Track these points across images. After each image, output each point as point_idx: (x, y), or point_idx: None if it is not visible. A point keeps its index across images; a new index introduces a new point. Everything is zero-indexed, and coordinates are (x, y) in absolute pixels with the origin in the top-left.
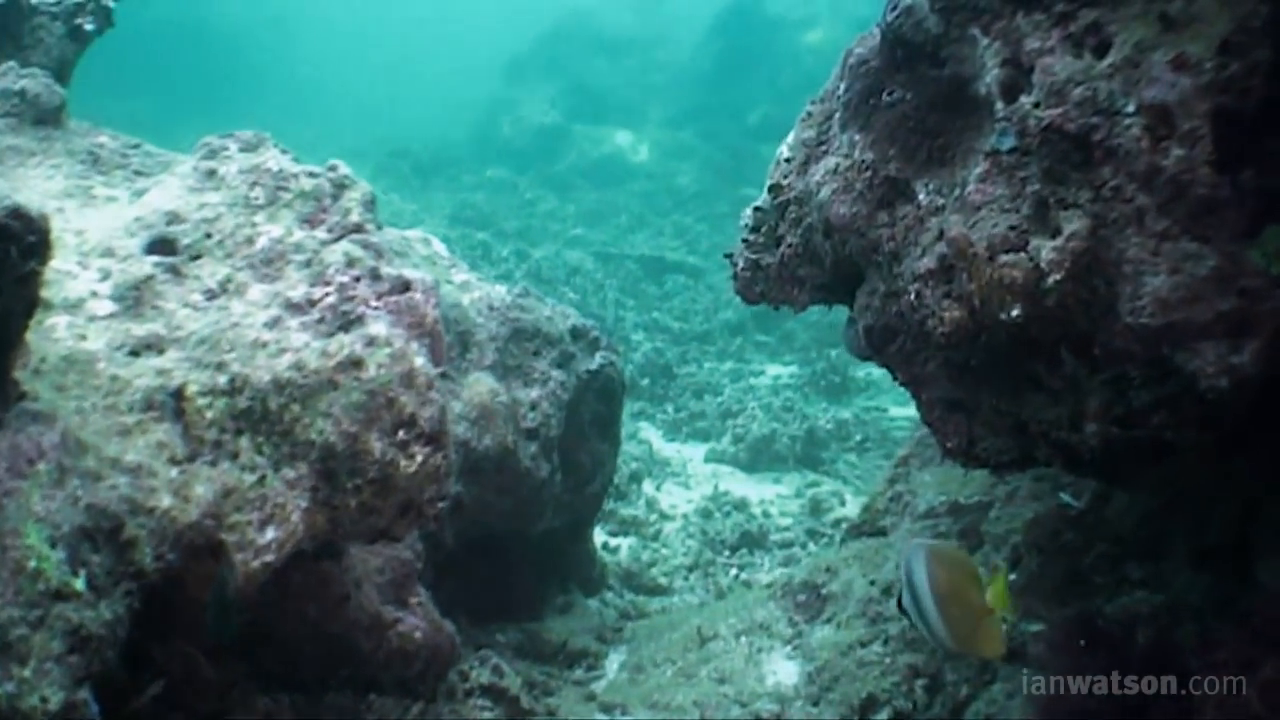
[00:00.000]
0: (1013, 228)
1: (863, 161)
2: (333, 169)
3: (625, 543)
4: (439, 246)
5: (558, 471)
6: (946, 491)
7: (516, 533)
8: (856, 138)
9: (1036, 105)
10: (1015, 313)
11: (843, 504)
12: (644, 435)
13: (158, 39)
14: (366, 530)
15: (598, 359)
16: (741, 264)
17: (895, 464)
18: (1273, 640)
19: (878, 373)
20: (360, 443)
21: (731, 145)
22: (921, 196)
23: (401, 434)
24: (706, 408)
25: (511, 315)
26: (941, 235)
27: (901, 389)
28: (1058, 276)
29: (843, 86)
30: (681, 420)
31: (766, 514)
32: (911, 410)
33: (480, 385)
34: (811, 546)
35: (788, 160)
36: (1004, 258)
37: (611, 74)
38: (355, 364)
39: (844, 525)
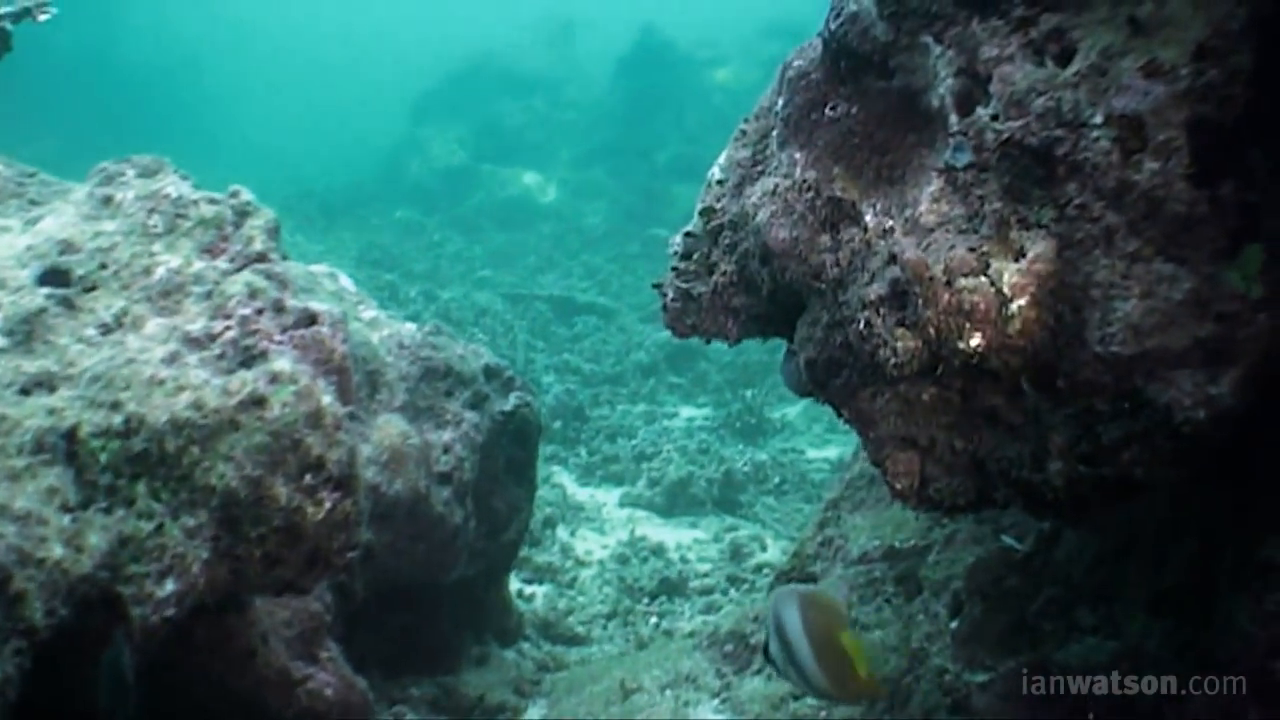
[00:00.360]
0: (972, 249)
1: (804, 181)
2: (234, 195)
3: (540, 590)
4: (346, 282)
5: (472, 518)
6: (880, 535)
7: (430, 582)
8: (797, 156)
9: (994, 118)
10: (975, 342)
11: (764, 549)
12: (557, 479)
13: (64, 79)
14: (272, 582)
15: (512, 399)
16: (671, 294)
17: (824, 507)
18: (1256, 690)
19: (793, 413)
20: (264, 488)
21: (641, 185)
22: (869, 218)
23: (308, 478)
24: (620, 451)
25: (423, 354)
26: (892, 259)
27: (817, 431)
28: (1022, 302)
29: (780, 101)
30: (595, 464)
31: (685, 560)
32: (829, 452)
33: (390, 427)
34: (733, 593)
35: (720, 182)
36: (963, 282)
37: (519, 113)
38: (258, 403)
39: (765, 571)
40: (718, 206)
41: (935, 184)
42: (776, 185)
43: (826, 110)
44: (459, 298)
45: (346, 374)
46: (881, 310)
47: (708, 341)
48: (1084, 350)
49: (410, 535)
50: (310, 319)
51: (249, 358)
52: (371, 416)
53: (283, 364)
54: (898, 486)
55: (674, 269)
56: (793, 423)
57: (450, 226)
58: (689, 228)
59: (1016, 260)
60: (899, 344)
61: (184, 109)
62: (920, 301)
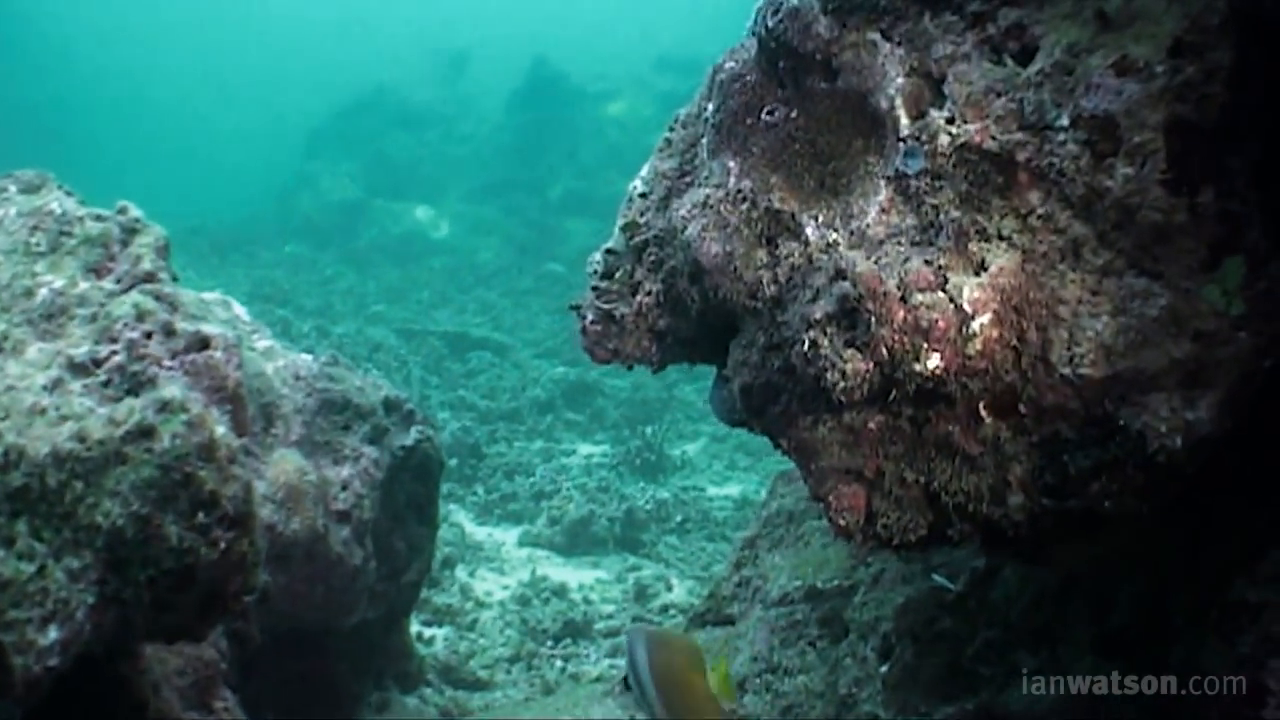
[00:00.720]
0: (928, 262)
1: (739, 191)
2: (122, 211)
3: (440, 633)
4: (239, 310)
5: (372, 558)
6: (802, 575)
7: (329, 626)
8: (730, 164)
9: (950, 120)
10: (933, 363)
11: (669, 589)
12: (454, 518)
13: None
14: (164, 629)
15: (413, 434)
16: (591, 316)
17: (740, 545)
18: None
19: (693, 450)
20: (153, 526)
21: (534, 220)
22: (810, 231)
23: (201, 516)
24: (518, 489)
25: (319, 385)
26: (839, 274)
27: (718, 468)
28: (984, 319)
29: (711, 107)
30: (493, 502)
31: (588, 600)
32: (730, 489)
33: (286, 463)
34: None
35: (643, 195)
36: (919, 297)
37: (412, 147)
38: (146, 433)
39: (672, 612)
40: (641, 221)
41: (884, 193)
42: (708, 196)
43: (763, 115)
44: (352, 333)
45: (241, 402)
46: (828, 330)
47: (629, 367)
48: (1050, 373)
49: (308, 577)
50: (202, 343)
51: (137, 385)
52: (266, 451)
53: (173, 391)
54: (841, 523)
55: (594, 289)
56: (693, 460)
57: (343, 262)
58: (609, 244)
59: (977, 274)
60: (848, 366)
61: (75, 145)
62: (872, 319)
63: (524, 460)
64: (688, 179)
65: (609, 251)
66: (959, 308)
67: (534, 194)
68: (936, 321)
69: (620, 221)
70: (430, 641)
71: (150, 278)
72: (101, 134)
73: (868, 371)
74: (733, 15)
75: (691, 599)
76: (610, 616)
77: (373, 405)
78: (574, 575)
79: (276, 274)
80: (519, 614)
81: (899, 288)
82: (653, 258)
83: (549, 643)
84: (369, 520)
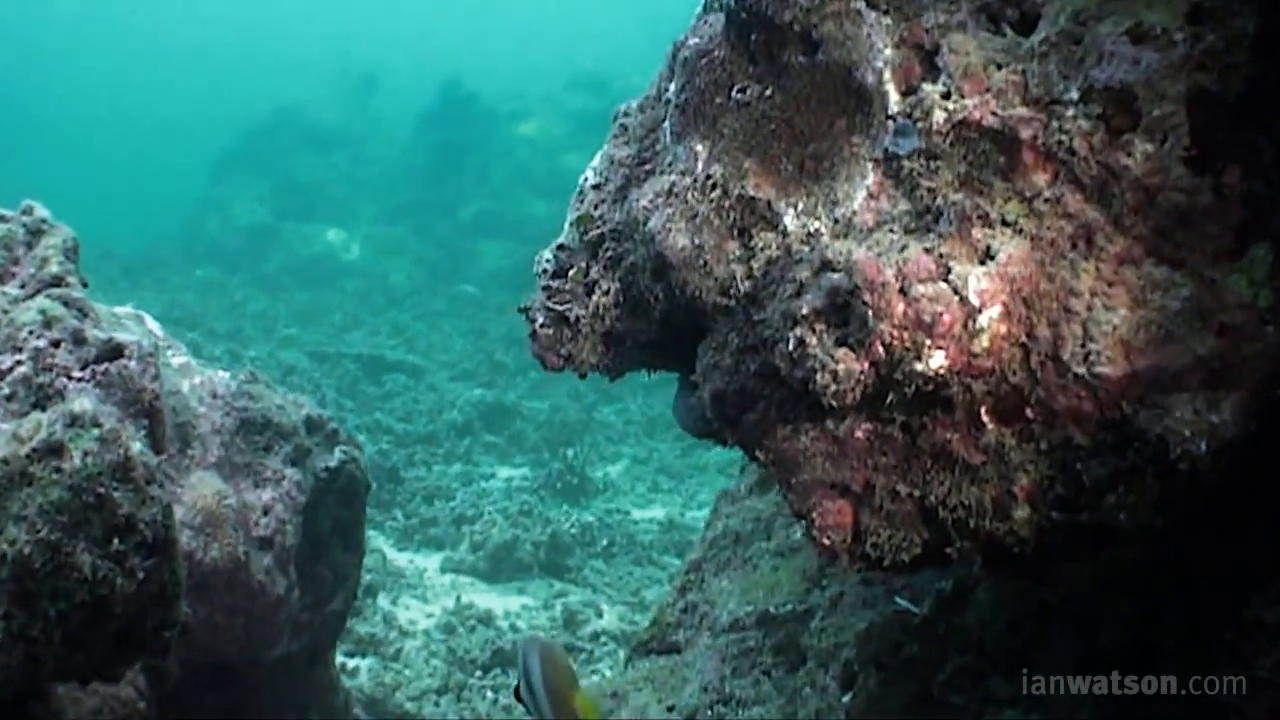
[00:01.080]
0: (928, 250)
1: (708, 178)
2: (27, 211)
3: (364, 664)
4: (153, 324)
5: (295, 587)
6: (752, 600)
7: (251, 659)
8: (698, 149)
9: (945, 95)
10: (937, 362)
11: (599, 615)
12: (374, 544)
13: None
14: (76, 668)
15: (337, 454)
16: (541, 319)
17: (685, 569)
18: None
19: (615, 472)
20: (64, 554)
21: (446, 241)
22: (788, 220)
23: (116, 542)
24: (439, 514)
25: (238, 404)
26: (825, 265)
27: (641, 490)
28: (992, 313)
29: (674, 87)
30: (413, 527)
31: (515, 628)
32: (654, 512)
33: (204, 486)
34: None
35: (596, 186)
36: (921, 289)
37: (321, 170)
38: (54, 451)
39: (604, 639)
40: (596, 214)
41: (872, 177)
42: (673, 184)
43: (734, 94)
44: (264, 356)
45: (159, 416)
46: (817, 327)
47: (583, 376)
48: (1061, 372)
49: (229, 608)
50: (115, 351)
51: (44, 398)
52: (183, 474)
53: (84, 405)
54: (826, 541)
55: (544, 289)
56: (615, 482)
57: (254, 285)
58: (561, 240)
59: (983, 263)
60: (839, 367)
61: None
62: (869, 314)
63: (443, 484)
64: (648, 166)
65: (560, 248)
66: (965, 300)
67: (445, 215)
68: (941, 315)
69: (572, 215)
70: (354, 673)
71: (58, 281)
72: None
73: (862, 373)
74: (646, 35)
75: (623, 625)
76: None
77: (294, 425)
78: (499, 602)
79: (187, 297)
80: (445, 643)
81: (898, 278)
82: (610, 254)
83: (477, 673)
84: (292, 547)
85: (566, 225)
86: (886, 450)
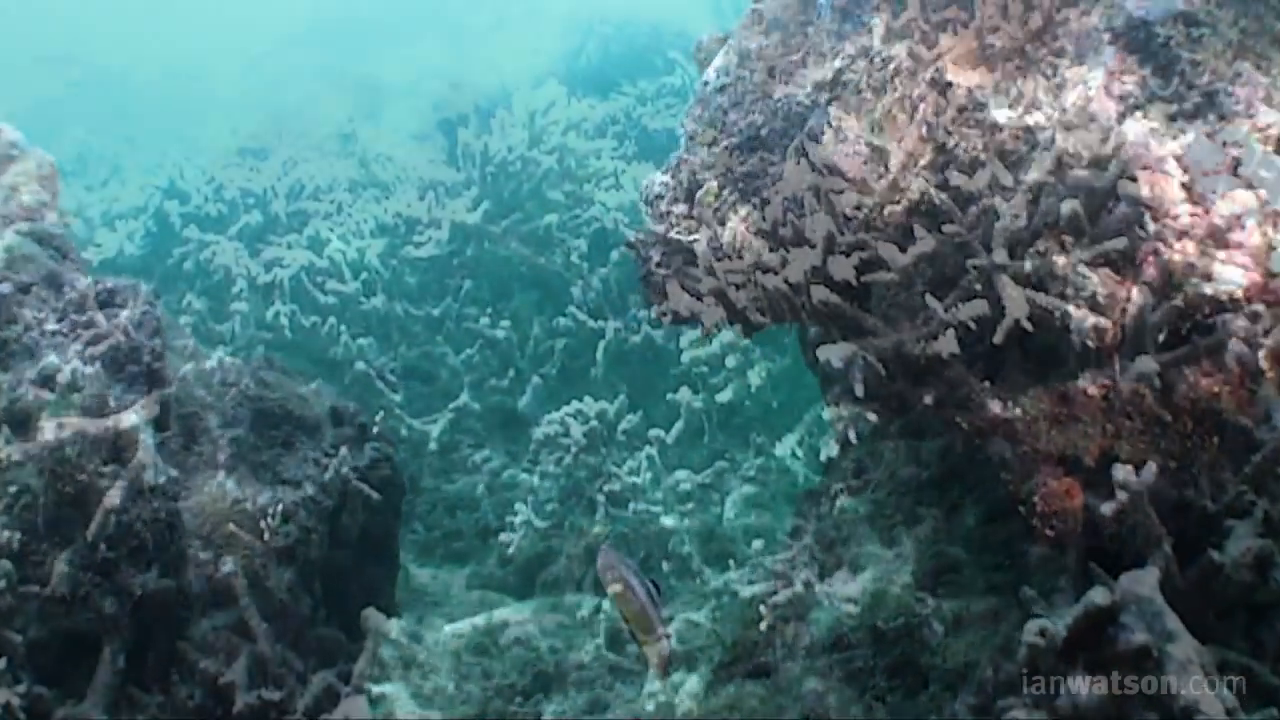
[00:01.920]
0: (1209, 136)
1: (888, 61)
2: None
3: (389, 690)
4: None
5: (321, 605)
6: (855, 614)
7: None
8: (874, 24)
9: None
10: (1231, 282)
11: None
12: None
13: None
14: None
15: (368, 451)
16: (657, 257)
17: (768, 579)
18: None
19: (645, 480)
20: None
21: None
22: (998, 112)
23: None
24: (462, 525)
25: (253, 394)
26: (1061, 164)
27: (674, 501)
28: None
29: None
30: (435, 540)
31: (554, 649)
32: (692, 522)
33: (215, 490)
34: (620, 688)
35: (723, 89)
36: (1210, 189)
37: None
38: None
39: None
40: (726, 121)
41: (1109, 53)
42: (838, 72)
43: None
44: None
45: (161, 381)
46: (1064, 241)
47: (706, 333)
48: None
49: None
50: (104, 298)
51: (7, 355)
52: (190, 475)
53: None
54: (1050, 532)
55: (660, 216)
56: (646, 490)
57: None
58: (677, 157)
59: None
60: (1101, 291)
61: None
62: (1144, 218)
63: (466, 494)
64: (797, 56)
65: (677, 167)
66: (1265, 205)
67: None
68: (1240, 220)
69: (691, 125)
70: (379, 701)
71: (32, 214)
72: None
73: (1128, 300)
74: None
75: (675, 644)
76: (583, 667)
77: (317, 417)
78: (534, 620)
79: None
80: (478, 666)
81: (1180, 172)
82: (747, 169)
83: (517, 699)
84: (317, 559)
85: (684, 140)
86: (1131, 412)
